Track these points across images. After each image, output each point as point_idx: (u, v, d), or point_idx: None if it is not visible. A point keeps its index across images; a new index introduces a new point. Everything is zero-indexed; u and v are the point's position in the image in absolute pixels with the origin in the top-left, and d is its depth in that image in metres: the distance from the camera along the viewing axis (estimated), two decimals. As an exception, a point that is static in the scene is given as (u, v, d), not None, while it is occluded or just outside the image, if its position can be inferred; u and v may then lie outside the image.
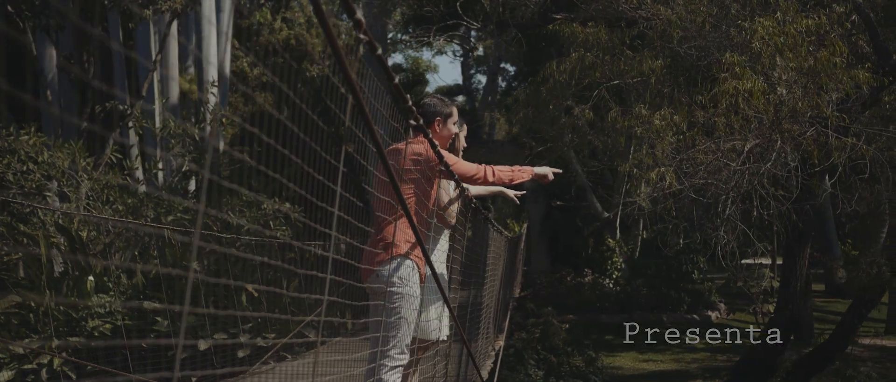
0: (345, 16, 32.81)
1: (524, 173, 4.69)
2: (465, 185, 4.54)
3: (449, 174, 4.13)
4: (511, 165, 4.70)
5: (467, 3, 20.32)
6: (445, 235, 4.76)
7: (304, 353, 9.38)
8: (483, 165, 4.52)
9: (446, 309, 4.50)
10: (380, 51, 1.81)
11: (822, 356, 15.09)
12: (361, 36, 1.70)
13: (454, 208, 4.69)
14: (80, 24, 16.63)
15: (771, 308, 17.93)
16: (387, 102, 3.23)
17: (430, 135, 4.47)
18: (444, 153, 4.23)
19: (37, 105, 16.93)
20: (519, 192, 5.22)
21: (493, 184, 4.56)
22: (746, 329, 18.61)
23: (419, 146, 4.25)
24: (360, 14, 1.60)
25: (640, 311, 20.44)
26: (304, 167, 2.18)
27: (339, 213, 2.37)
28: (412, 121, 2.36)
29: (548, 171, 4.87)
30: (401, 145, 4.28)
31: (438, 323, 4.67)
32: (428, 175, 4.30)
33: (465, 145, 4.94)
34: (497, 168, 4.56)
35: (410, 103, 2.16)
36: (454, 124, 4.63)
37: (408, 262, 4.27)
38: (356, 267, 4.25)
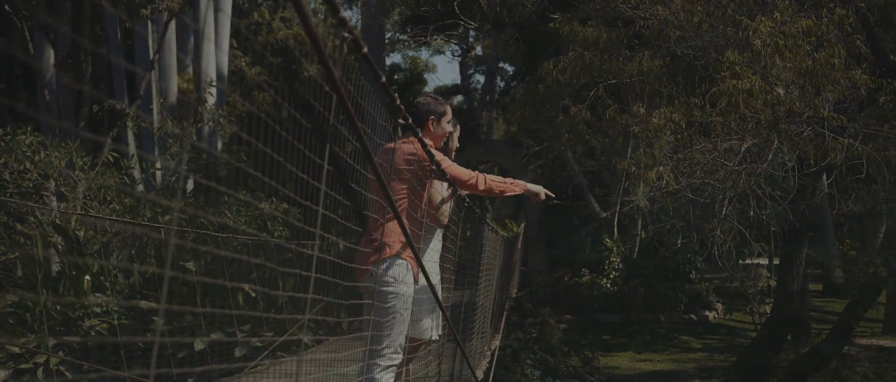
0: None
1: (516, 187, 4.66)
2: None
3: (441, 174, 4.13)
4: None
5: (465, 3, 20.32)
6: (438, 235, 4.76)
7: (300, 353, 9.36)
8: (476, 172, 4.51)
9: (438, 309, 4.50)
10: (365, 49, 1.82)
11: (819, 356, 15.11)
12: (345, 34, 1.70)
13: (447, 207, 4.69)
14: (72, 35, 16.60)
15: (768, 308, 17.96)
16: (383, 102, 3.23)
17: (424, 134, 4.49)
18: (437, 154, 4.22)
19: (30, 113, 16.91)
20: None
21: (483, 192, 4.53)
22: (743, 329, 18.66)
23: (412, 146, 4.25)
24: (343, 13, 1.60)
25: (637, 311, 20.47)
26: (289, 167, 2.18)
27: (325, 213, 2.36)
28: (401, 121, 2.36)
29: (540, 190, 4.83)
30: (393, 145, 4.28)
31: (431, 323, 4.67)
32: (419, 175, 4.29)
33: (458, 145, 4.93)
34: (490, 177, 4.53)
35: (398, 102, 2.16)
36: (448, 123, 4.62)
37: (402, 262, 4.27)
38: (350, 267, 4.25)
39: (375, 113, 3.30)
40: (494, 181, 4.54)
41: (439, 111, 4.59)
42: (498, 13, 18.30)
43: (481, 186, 4.47)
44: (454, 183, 4.38)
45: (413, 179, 4.26)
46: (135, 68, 17.79)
